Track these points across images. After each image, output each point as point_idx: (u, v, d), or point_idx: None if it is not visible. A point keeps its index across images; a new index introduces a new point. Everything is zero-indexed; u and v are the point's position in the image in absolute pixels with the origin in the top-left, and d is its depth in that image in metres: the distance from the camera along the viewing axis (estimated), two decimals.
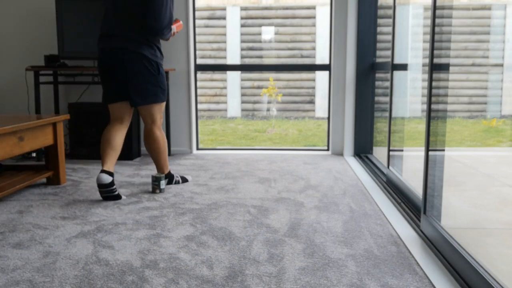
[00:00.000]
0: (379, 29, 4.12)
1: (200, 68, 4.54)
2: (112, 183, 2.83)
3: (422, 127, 4.09)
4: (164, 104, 3.06)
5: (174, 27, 3.03)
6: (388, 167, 3.20)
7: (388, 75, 3.33)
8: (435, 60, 2.15)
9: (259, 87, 8.09)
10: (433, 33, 2.15)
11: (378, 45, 4.15)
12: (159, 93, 2.98)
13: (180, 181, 3.29)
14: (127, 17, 2.85)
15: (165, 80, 3.01)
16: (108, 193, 2.84)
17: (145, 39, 2.87)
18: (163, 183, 3.01)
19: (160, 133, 3.07)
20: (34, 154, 4.21)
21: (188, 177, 3.34)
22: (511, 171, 3.77)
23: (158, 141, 3.07)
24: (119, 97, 2.93)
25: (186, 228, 2.35)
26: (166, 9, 2.83)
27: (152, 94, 2.95)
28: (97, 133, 4.16)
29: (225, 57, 8.09)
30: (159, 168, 3.16)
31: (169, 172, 3.23)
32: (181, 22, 3.21)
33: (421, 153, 2.28)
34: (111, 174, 2.84)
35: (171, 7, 2.88)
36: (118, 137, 2.94)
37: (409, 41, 3.10)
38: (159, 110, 3.03)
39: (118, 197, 2.87)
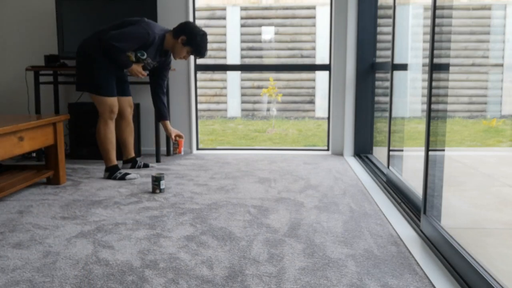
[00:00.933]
0: (379, 29, 4.12)
1: (200, 68, 4.54)
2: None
3: (422, 127, 4.09)
4: (102, 98, 3.33)
5: (127, 60, 3.30)
6: (388, 167, 3.20)
7: (388, 75, 3.33)
8: (435, 60, 2.15)
9: (259, 87, 8.09)
10: (433, 33, 2.15)
11: (378, 45, 4.15)
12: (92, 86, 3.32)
13: (118, 176, 3.42)
14: (110, 26, 3.35)
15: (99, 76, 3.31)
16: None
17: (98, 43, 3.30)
18: (163, 183, 3.01)
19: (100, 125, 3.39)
20: (34, 154, 4.21)
21: (135, 175, 3.46)
22: (511, 171, 3.77)
23: (97, 133, 3.40)
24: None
25: (186, 228, 2.35)
26: (128, 35, 3.20)
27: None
28: None
29: (225, 57, 8.09)
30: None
31: (112, 167, 3.43)
32: (140, 69, 3.40)
33: (421, 153, 2.29)
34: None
35: (134, 43, 3.22)
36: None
37: (409, 41, 3.10)
38: (99, 103, 3.34)
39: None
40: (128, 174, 3.40)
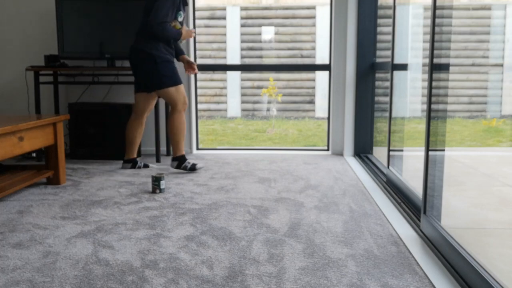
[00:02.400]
0: (379, 29, 4.12)
1: (200, 68, 4.54)
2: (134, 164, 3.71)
3: (422, 127, 4.09)
4: (178, 88, 3.49)
5: (177, 31, 3.42)
6: (388, 167, 3.20)
7: (388, 75, 3.33)
8: (435, 60, 2.15)
9: (259, 87, 8.09)
10: (433, 33, 2.15)
11: (378, 45, 4.14)
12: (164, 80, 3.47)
13: (188, 166, 3.60)
14: (143, 17, 3.44)
15: (172, 69, 3.47)
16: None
17: (147, 36, 3.41)
18: (163, 183, 3.01)
19: (179, 115, 3.53)
20: (34, 154, 4.21)
21: (199, 165, 3.65)
22: (511, 171, 3.77)
23: (171, 124, 3.54)
24: (137, 89, 3.59)
25: (186, 228, 2.35)
26: (163, 8, 3.30)
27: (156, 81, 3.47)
28: (97, 133, 4.17)
29: (225, 57, 8.09)
30: (172, 150, 3.60)
31: (182, 156, 3.58)
32: (188, 29, 3.55)
33: (421, 153, 2.29)
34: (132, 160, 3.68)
35: (171, 11, 3.35)
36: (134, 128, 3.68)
37: (409, 41, 3.10)
38: (173, 94, 3.49)
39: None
40: (196, 164, 3.59)
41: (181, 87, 3.51)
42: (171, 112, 3.52)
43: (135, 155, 3.75)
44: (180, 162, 3.57)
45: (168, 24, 3.35)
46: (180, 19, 3.45)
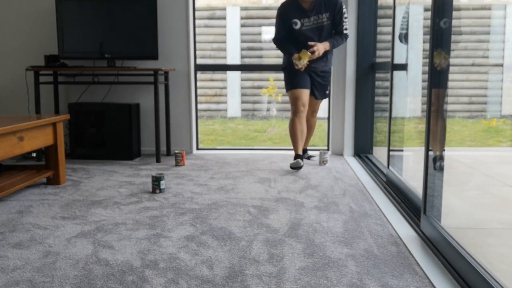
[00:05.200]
0: (379, 29, 4.12)
1: (200, 68, 4.54)
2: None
3: (422, 127, 4.08)
4: (291, 93, 3.70)
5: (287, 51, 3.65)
6: (388, 167, 3.20)
7: (388, 75, 3.33)
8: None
9: (259, 87, 8.08)
10: (433, 33, 2.14)
11: (378, 45, 4.14)
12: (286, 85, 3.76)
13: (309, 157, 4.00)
14: None
15: (287, 76, 3.72)
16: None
17: None
18: (163, 183, 3.01)
19: (291, 119, 3.72)
20: (34, 154, 4.21)
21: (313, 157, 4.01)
22: (511, 171, 3.77)
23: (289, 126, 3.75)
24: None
25: (186, 228, 2.35)
26: (275, 25, 3.68)
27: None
28: (97, 133, 4.17)
29: (225, 57, 8.09)
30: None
31: (296, 155, 3.70)
32: (304, 53, 3.55)
33: (421, 153, 2.28)
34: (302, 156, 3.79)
35: (281, 25, 3.63)
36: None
37: (409, 41, 3.10)
38: (290, 98, 3.73)
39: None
40: (297, 163, 3.65)
41: (294, 92, 3.66)
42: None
43: (300, 151, 3.80)
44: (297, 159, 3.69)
45: (280, 40, 3.65)
46: (296, 27, 3.56)
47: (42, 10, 4.36)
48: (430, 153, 2.20)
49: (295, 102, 3.66)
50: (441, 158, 2.21)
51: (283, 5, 3.62)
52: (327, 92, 3.91)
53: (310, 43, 3.50)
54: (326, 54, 3.67)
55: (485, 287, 1.53)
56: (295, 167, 3.61)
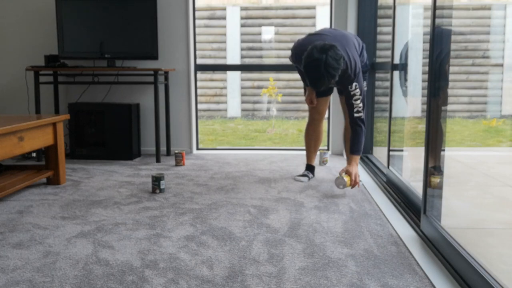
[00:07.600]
0: (379, 29, 4.12)
1: (200, 68, 4.54)
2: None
3: (422, 127, 4.08)
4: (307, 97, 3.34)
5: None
6: (388, 167, 3.20)
7: (388, 75, 3.33)
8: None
9: (259, 87, 8.08)
10: (433, 33, 2.14)
11: (378, 45, 4.14)
12: None
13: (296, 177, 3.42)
14: None
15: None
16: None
17: None
18: (163, 183, 3.01)
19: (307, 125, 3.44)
20: (34, 154, 4.21)
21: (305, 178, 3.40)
22: (511, 171, 3.77)
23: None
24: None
25: (186, 228, 2.35)
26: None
27: None
28: (97, 133, 4.17)
29: (225, 57, 8.08)
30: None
31: (307, 165, 3.46)
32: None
33: (421, 153, 2.28)
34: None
35: (304, 78, 3.23)
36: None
37: (409, 41, 3.10)
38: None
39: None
40: (303, 176, 3.38)
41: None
42: None
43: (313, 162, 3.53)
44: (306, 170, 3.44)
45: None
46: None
47: (42, 10, 4.36)
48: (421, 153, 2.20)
49: (310, 108, 3.37)
50: (439, 168, 2.20)
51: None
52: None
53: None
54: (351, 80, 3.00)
55: (485, 287, 1.53)
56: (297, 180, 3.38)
